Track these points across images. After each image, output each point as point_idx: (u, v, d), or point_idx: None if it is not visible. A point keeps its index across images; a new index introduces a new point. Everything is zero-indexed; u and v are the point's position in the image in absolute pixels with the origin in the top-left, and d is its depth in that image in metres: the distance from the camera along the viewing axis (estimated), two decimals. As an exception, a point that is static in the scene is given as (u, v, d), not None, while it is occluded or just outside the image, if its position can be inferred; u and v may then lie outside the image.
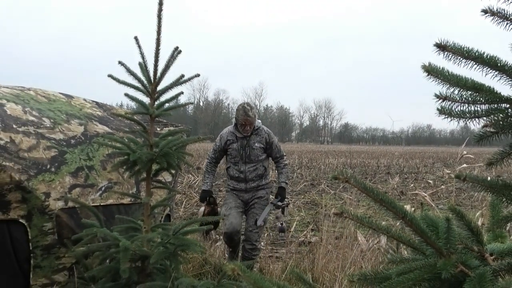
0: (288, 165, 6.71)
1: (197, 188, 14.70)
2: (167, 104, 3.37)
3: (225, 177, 8.36)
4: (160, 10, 3.22)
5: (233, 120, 6.19)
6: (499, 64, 1.38)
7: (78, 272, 3.46)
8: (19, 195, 3.35)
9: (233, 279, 3.28)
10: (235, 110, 6.09)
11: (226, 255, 6.17)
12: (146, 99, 3.30)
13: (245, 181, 6.09)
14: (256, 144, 6.07)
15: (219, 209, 6.54)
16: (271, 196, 6.41)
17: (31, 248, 3.42)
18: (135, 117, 3.39)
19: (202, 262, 5.68)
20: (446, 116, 1.42)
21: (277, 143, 6.40)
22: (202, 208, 6.44)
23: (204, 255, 5.52)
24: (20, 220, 3.38)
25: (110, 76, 3.17)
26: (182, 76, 3.30)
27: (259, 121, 6.24)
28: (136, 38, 3.19)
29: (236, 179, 6.12)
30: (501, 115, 1.38)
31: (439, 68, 1.42)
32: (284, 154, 6.49)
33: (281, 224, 6.76)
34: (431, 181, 17.68)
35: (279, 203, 6.21)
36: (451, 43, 1.39)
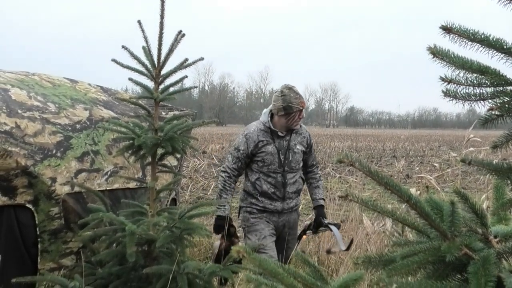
0: None
1: (202, 172, 14.74)
2: (171, 88, 3.37)
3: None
4: (163, -7, 3.21)
5: (268, 111, 4.46)
6: (505, 47, 1.37)
7: (85, 256, 3.49)
8: (26, 180, 3.37)
9: (238, 262, 3.30)
10: (273, 96, 4.31)
11: None
12: (150, 83, 3.30)
13: (283, 199, 4.39)
14: (298, 147, 4.47)
15: (240, 244, 4.42)
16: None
17: (38, 233, 3.44)
18: (140, 102, 3.39)
19: (208, 246, 5.72)
20: (451, 98, 1.41)
21: None
22: (217, 243, 4.43)
23: (210, 239, 5.54)
24: (27, 205, 3.40)
25: (113, 60, 3.16)
26: (186, 59, 3.29)
27: None
28: (139, 22, 3.18)
29: (270, 196, 4.36)
30: (506, 98, 1.37)
31: (445, 50, 1.41)
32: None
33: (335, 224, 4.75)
34: (437, 165, 17.66)
35: (333, 222, 4.70)
36: (456, 26, 1.38)
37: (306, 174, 4.75)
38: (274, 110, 4.34)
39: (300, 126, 4.48)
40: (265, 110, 4.50)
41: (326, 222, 4.60)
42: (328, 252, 4.91)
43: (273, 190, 4.34)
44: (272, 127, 4.35)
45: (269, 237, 4.30)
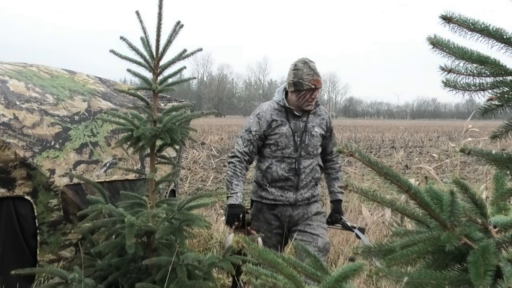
0: None
1: (201, 164, 14.74)
2: (170, 79, 3.35)
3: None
4: (161, -16, 3.19)
5: (282, 89, 3.96)
6: (505, 37, 1.37)
7: (85, 248, 3.49)
8: (24, 172, 3.37)
9: (237, 253, 3.30)
10: (292, 70, 3.76)
11: None
12: (149, 75, 3.29)
13: (297, 188, 3.89)
14: (316, 129, 3.96)
15: (260, 239, 3.83)
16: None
17: (37, 225, 3.44)
18: (138, 93, 3.38)
19: (208, 237, 5.72)
20: (451, 88, 1.41)
21: None
22: (231, 236, 3.80)
23: (210, 230, 5.54)
24: (26, 197, 3.40)
25: (112, 51, 3.15)
26: (185, 50, 3.27)
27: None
28: (137, 13, 3.16)
29: (281, 185, 3.89)
30: (506, 88, 1.37)
31: (445, 40, 1.40)
32: None
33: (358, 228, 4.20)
34: (435, 155, 17.67)
35: (357, 225, 4.19)
36: (456, 15, 1.37)
37: (325, 163, 4.21)
38: (286, 85, 3.91)
39: (318, 106, 3.98)
40: (279, 88, 4.04)
41: (348, 224, 4.15)
42: (352, 260, 4.50)
43: (285, 177, 3.86)
44: (287, 104, 3.86)
45: (272, 248, 3.57)
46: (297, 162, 3.86)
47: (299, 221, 3.94)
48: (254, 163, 4.14)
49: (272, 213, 3.95)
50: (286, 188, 3.89)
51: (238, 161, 3.88)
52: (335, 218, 4.14)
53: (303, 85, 3.72)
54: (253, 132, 3.87)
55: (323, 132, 3.99)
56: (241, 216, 3.79)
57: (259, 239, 3.79)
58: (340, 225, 4.19)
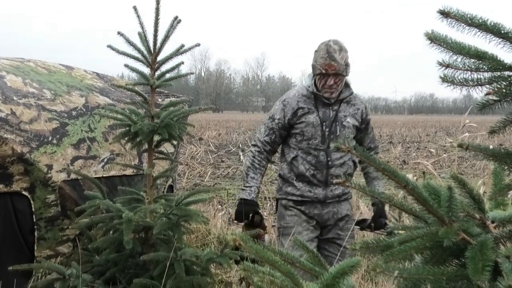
0: None
1: (199, 159, 14.73)
2: (168, 75, 3.35)
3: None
4: (158, -21, 3.18)
5: (307, 75, 3.68)
6: (502, 32, 1.36)
7: (82, 243, 3.49)
8: (22, 167, 3.36)
9: (235, 249, 3.30)
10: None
11: None
12: (146, 70, 3.28)
13: (325, 184, 3.53)
14: (349, 120, 3.58)
15: (267, 236, 3.72)
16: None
17: (35, 220, 3.43)
18: (136, 88, 3.37)
19: (205, 232, 5.73)
20: (449, 84, 1.40)
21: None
22: (238, 231, 3.61)
23: (207, 225, 5.54)
24: (23, 193, 3.39)
25: (109, 46, 3.14)
26: (182, 45, 3.27)
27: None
28: (135, 8, 3.15)
29: (309, 180, 3.53)
30: (504, 83, 1.37)
31: (442, 35, 1.40)
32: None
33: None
34: (433, 150, 17.71)
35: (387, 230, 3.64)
36: (454, 10, 1.37)
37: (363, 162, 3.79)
38: None
39: (352, 94, 3.60)
40: (310, 72, 3.62)
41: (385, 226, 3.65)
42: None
43: (312, 171, 3.50)
44: (315, 91, 3.49)
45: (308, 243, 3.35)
46: (326, 155, 3.49)
47: (328, 221, 3.62)
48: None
49: (299, 209, 3.59)
50: (314, 183, 3.53)
51: (258, 151, 3.63)
52: (379, 223, 3.72)
53: (316, 69, 3.42)
54: (276, 120, 3.57)
55: (357, 124, 3.63)
56: (250, 215, 3.52)
57: (266, 236, 3.64)
58: (385, 232, 3.67)
